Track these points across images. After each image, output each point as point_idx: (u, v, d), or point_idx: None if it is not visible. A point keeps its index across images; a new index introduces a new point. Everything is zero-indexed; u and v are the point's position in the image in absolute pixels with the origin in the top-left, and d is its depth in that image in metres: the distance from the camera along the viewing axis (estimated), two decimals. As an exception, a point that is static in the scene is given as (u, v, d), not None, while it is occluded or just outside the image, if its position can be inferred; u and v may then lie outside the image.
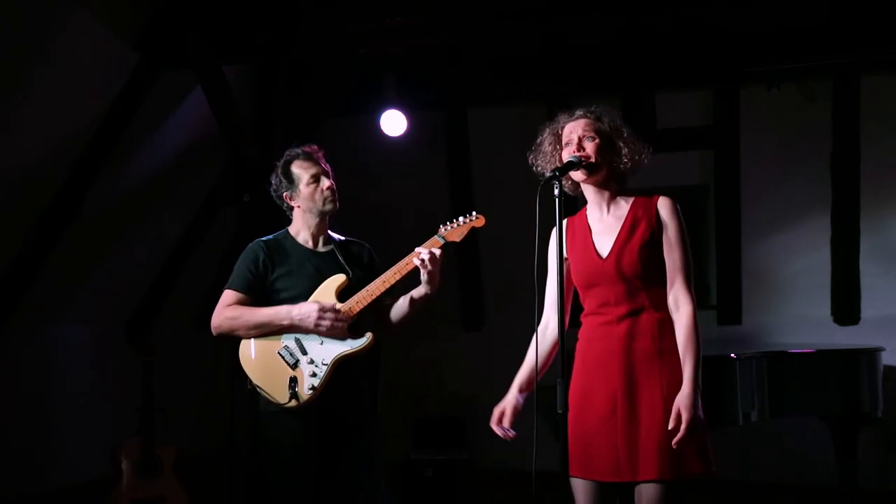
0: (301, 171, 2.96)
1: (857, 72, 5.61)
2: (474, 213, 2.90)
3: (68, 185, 4.99)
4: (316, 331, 2.81)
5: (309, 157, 2.98)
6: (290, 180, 2.96)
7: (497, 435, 2.54)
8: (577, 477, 2.40)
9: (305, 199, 2.95)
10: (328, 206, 2.96)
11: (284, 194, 2.98)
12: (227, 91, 5.08)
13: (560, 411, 2.17)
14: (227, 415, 4.52)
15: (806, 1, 5.03)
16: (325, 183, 2.95)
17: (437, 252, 2.80)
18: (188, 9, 4.81)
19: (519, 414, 2.54)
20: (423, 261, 2.77)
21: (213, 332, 2.91)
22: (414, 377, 6.27)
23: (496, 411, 2.55)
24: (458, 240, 2.87)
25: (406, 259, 2.84)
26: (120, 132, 5.03)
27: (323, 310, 2.80)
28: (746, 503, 5.43)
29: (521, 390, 2.56)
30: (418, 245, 2.83)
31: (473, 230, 2.89)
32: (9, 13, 4.04)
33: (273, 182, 3.02)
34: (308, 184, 2.94)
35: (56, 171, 4.90)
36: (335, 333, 2.81)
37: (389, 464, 3.26)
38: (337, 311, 2.81)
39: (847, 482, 4.57)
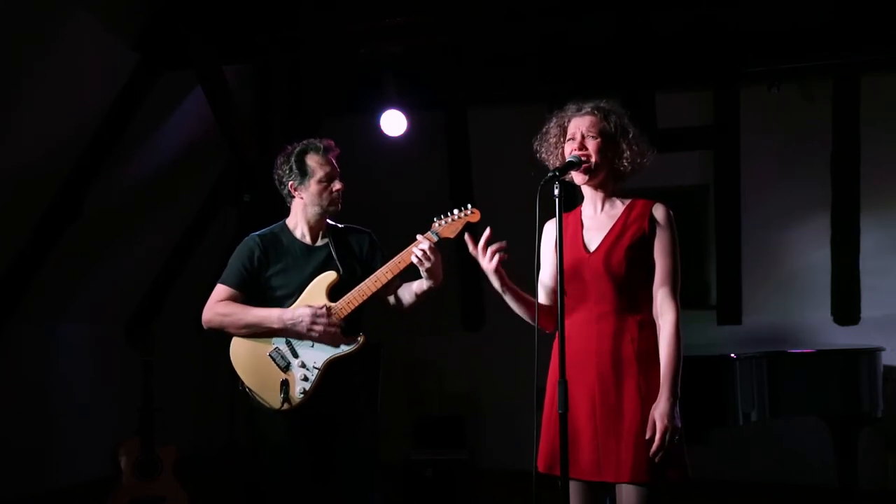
0: (316, 165, 2.88)
1: (857, 72, 5.61)
2: (469, 206, 2.78)
3: (68, 184, 4.99)
4: (308, 336, 2.77)
5: (326, 154, 2.91)
6: (303, 172, 2.88)
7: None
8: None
9: (312, 195, 2.88)
10: (332, 209, 2.92)
11: (291, 183, 2.90)
12: (227, 91, 5.08)
13: (560, 412, 2.18)
14: (227, 415, 4.52)
15: (806, 1, 5.03)
16: (337, 185, 2.89)
17: (428, 245, 2.71)
18: (188, 9, 4.81)
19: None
20: (419, 259, 2.71)
21: (204, 325, 2.89)
22: (414, 377, 6.26)
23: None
24: (452, 236, 2.77)
25: (398, 257, 2.78)
26: (120, 132, 5.03)
27: (315, 315, 2.75)
28: (747, 503, 5.42)
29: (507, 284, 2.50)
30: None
31: (468, 225, 2.76)
32: (9, 13, 4.04)
33: (280, 167, 2.92)
34: (320, 181, 2.87)
35: (56, 170, 4.91)
36: (328, 338, 2.79)
37: (389, 464, 3.25)
38: (330, 315, 2.76)
39: (847, 482, 4.58)
